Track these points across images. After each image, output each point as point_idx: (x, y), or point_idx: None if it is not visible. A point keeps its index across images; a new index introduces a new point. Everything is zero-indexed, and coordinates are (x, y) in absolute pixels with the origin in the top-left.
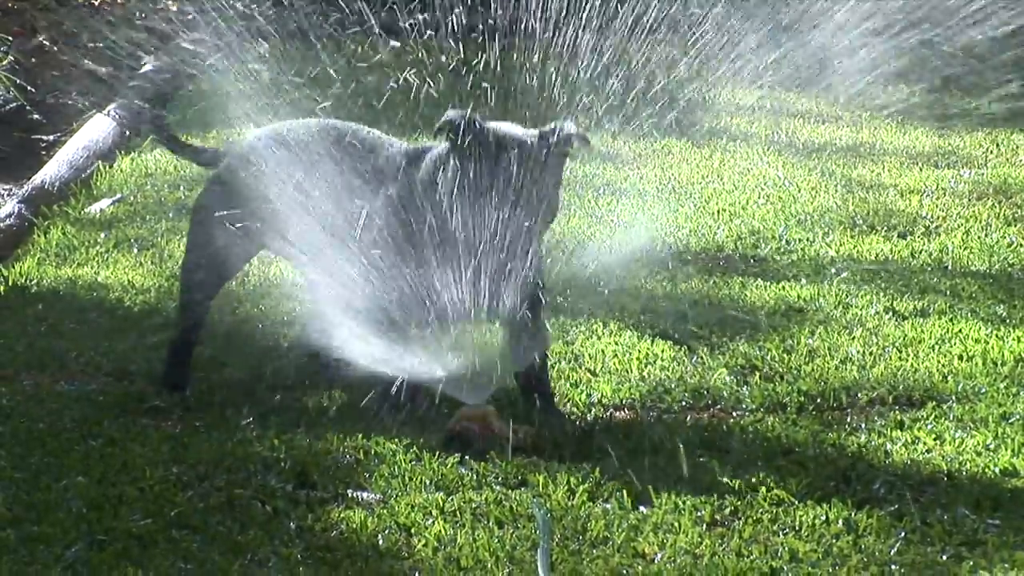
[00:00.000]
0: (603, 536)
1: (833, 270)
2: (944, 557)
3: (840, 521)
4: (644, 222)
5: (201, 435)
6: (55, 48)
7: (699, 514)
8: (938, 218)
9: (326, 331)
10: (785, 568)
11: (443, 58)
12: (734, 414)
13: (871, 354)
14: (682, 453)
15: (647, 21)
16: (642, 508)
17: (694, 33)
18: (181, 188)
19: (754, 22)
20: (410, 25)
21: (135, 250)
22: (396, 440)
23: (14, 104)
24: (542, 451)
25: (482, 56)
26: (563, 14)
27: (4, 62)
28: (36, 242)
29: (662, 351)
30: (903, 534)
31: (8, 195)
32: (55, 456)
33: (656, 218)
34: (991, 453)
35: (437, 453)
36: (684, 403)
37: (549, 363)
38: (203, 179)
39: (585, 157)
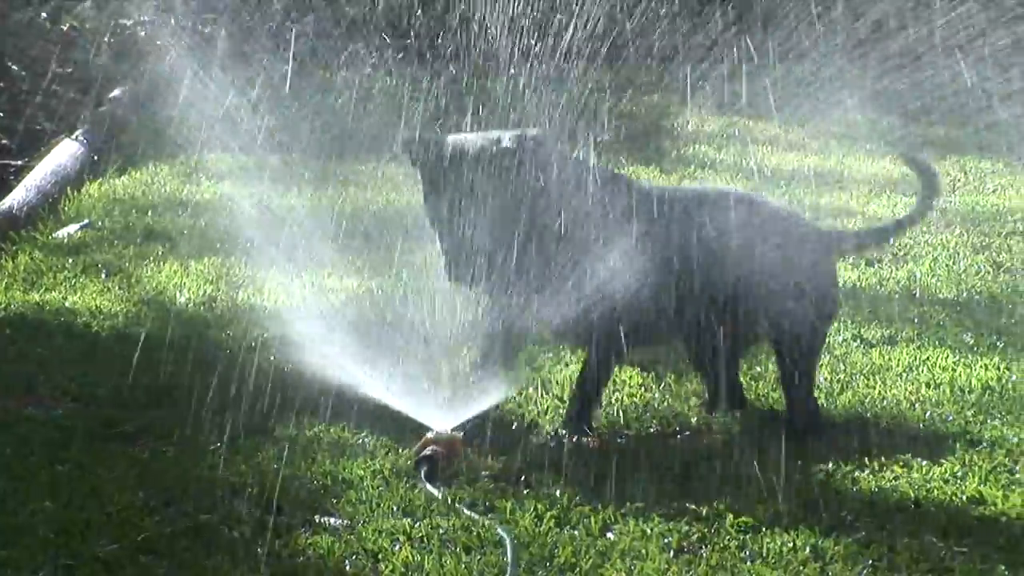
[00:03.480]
0: (571, 562)
1: None
2: None
3: (807, 548)
4: None
5: (168, 460)
6: (23, 73)
7: (666, 541)
8: (906, 246)
9: None
10: None
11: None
12: (702, 441)
13: (839, 381)
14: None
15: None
16: (609, 534)
17: None
18: (149, 214)
19: None
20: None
21: (103, 275)
22: (363, 465)
23: None
24: (509, 477)
25: None
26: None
27: None
28: (3, 267)
29: (630, 377)
30: (870, 562)
31: None
32: (22, 481)
33: None
34: (958, 481)
35: (404, 478)
36: (652, 429)
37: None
38: (168, 205)
39: None
